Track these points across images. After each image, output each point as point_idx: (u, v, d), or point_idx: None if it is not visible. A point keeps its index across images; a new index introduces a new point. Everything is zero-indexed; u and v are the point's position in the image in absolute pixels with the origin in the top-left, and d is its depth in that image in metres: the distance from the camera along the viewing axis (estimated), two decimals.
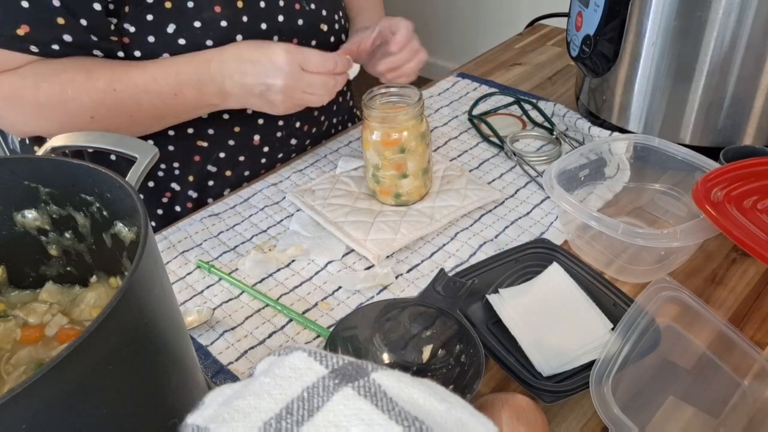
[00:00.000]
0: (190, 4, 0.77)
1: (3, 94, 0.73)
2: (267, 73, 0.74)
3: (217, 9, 0.78)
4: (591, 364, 0.56)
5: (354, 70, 0.81)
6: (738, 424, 0.54)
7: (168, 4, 0.76)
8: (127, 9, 0.75)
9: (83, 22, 0.73)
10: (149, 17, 0.76)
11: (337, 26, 0.92)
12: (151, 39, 0.76)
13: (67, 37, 0.73)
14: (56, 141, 0.50)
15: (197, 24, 0.77)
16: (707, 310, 0.60)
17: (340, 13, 0.94)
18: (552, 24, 1.31)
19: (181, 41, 0.77)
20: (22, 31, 0.70)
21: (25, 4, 0.70)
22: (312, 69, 0.75)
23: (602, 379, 0.52)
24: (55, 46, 0.73)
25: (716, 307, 0.66)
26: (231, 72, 0.75)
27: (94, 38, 0.74)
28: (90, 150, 0.85)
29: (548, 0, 1.67)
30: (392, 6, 1.05)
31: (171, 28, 0.76)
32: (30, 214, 0.49)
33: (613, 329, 0.60)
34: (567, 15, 0.94)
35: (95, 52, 0.76)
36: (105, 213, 0.47)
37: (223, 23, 0.79)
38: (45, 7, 0.70)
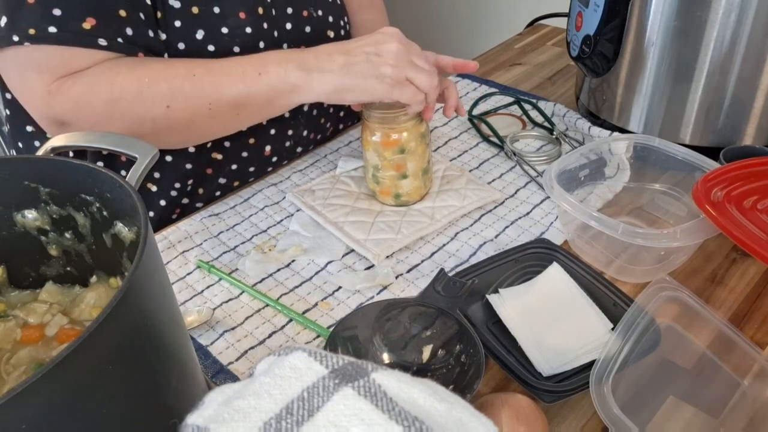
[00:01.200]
0: (216, 10, 0.76)
1: (75, 96, 0.70)
2: (377, 40, 0.72)
3: (242, 15, 0.78)
4: (591, 364, 0.56)
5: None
6: (738, 424, 0.54)
7: (195, 10, 0.75)
8: (159, 15, 0.74)
9: (141, 15, 0.72)
10: (177, 23, 0.75)
11: (342, 32, 0.92)
12: (181, 46, 0.76)
13: (129, 31, 0.72)
14: (56, 141, 0.50)
15: (225, 30, 0.77)
16: (707, 310, 0.60)
17: (345, 19, 0.94)
18: (552, 24, 1.31)
19: (211, 47, 0.77)
20: (88, 24, 0.69)
21: None
22: (417, 49, 0.74)
23: (602, 379, 0.52)
24: (120, 40, 0.71)
25: (716, 307, 0.66)
26: (329, 50, 0.72)
27: (151, 33, 0.74)
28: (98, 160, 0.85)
29: (548, 0, 1.67)
30: (392, 6, 1.05)
31: (200, 35, 0.76)
32: (30, 214, 0.49)
33: (613, 329, 0.60)
34: (567, 15, 0.94)
35: (150, 53, 0.75)
36: (105, 213, 0.47)
37: (248, 29, 0.78)
38: None
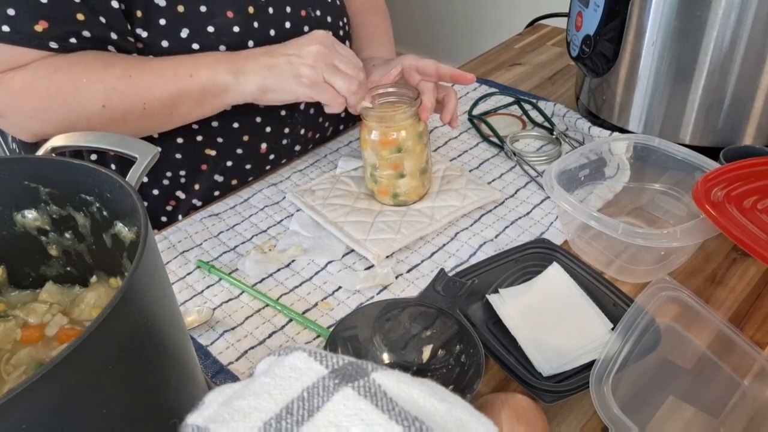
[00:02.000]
0: (203, 9, 0.77)
1: (13, 91, 0.71)
2: (300, 42, 0.74)
3: (230, 14, 0.78)
4: (591, 364, 0.56)
5: (366, 104, 0.76)
6: (738, 424, 0.54)
7: (180, 8, 0.75)
8: (139, 14, 0.74)
9: (102, 19, 0.72)
10: (162, 22, 0.75)
11: (341, 33, 0.92)
12: (165, 44, 0.76)
13: (86, 33, 0.72)
14: (56, 141, 0.50)
15: (210, 29, 0.77)
16: (707, 310, 0.60)
17: (345, 20, 0.94)
18: (552, 24, 1.31)
19: (195, 46, 0.77)
20: (40, 27, 0.69)
21: (44, 0, 0.68)
22: (344, 53, 0.74)
23: (602, 379, 0.52)
24: (73, 40, 0.71)
25: (716, 307, 0.66)
26: (256, 53, 0.75)
27: (114, 36, 0.74)
28: (92, 158, 0.85)
29: (548, 0, 1.67)
30: (393, 7, 1.05)
31: (185, 33, 0.76)
32: (30, 214, 0.49)
33: (613, 329, 0.60)
34: (567, 15, 0.94)
35: (111, 49, 0.75)
36: (105, 213, 0.47)
37: (236, 29, 0.78)
38: (65, 2, 0.70)
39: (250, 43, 0.80)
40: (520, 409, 0.50)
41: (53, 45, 0.71)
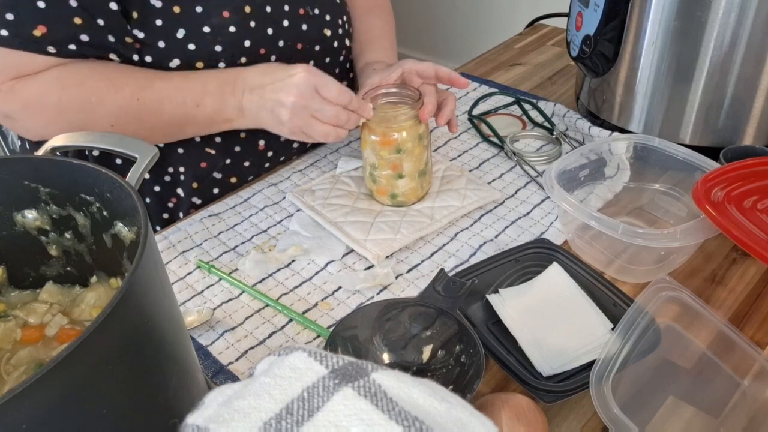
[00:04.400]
0: (199, 9, 0.77)
1: (26, 99, 0.73)
2: (282, 89, 0.74)
3: (226, 14, 0.78)
4: (591, 364, 0.56)
5: (369, 111, 0.76)
6: (738, 424, 0.54)
7: (176, 9, 0.76)
8: (135, 15, 0.74)
9: (100, 21, 0.73)
10: (158, 22, 0.75)
11: (340, 31, 0.92)
12: (161, 44, 0.76)
13: (84, 37, 0.72)
14: (56, 141, 0.50)
15: (206, 29, 0.77)
16: (707, 310, 0.60)
17: (344, 18, 0.94)
18: (552, 24, 1.31)
19: (191, 46, 0.77)
20: (39, 32, 0.70)
21: (41, 5, 0.69)
22: (327, 95, 0.73)
23: (602, 379, 0.52)
24: (72, 46, 0.72)
25: (716, 307, 0.66)
26: (252, 86, 0.76)
27: (111, 39, 0.74)
28: (95, 153, 0.85)
29: (548, 0, 1.67)
30: (393, 7, 1.05)
31: (181, 33, 0.76)
32: (30, 214, 0.49)
33: (613, 329, 0.60)
34: (567, 15, 0.94)
35: (111, 55, 0.76)
36: (105, 213, 0.47)
37: (232, 28, 0.79)
38: (62, 6, 0.70)
39: (247, 42, 0.80)
40: (520, 409, 0.50)
41: (51, 50, 0.71)
